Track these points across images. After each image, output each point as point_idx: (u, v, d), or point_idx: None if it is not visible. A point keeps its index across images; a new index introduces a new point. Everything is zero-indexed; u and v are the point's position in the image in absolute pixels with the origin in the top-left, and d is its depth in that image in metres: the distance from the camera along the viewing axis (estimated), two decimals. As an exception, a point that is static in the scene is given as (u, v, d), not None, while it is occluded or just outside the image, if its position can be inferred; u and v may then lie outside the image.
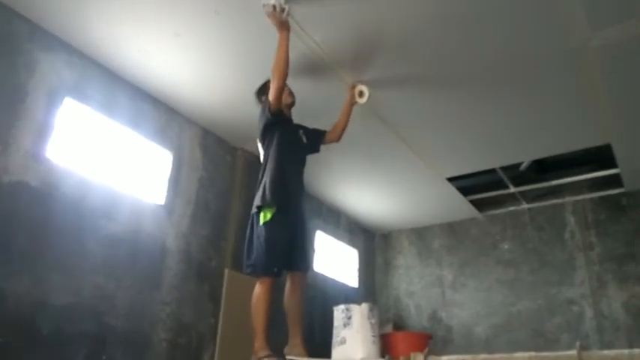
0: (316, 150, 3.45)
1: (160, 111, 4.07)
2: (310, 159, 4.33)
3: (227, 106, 4.14)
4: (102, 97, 3.61)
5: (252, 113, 4.18)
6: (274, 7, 2.82)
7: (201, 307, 4.05)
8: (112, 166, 3.64)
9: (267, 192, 2.93)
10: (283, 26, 2.89)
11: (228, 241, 4.44)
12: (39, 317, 2.94)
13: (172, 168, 4.09)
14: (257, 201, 3.00)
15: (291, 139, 3.20)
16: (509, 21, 3.09)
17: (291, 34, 2.98)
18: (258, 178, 3.12)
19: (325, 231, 6.00)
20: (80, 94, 3.47)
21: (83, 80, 3.50)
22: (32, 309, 2.92)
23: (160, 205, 3.92)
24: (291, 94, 3.30)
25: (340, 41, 3.30)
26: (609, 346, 4.87)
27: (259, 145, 3.23)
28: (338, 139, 3.55)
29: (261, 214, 2.94)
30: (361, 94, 3.59)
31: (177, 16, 3.12)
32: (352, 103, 3.61)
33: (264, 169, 3.07)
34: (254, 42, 3.34)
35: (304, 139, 3.36)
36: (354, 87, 3.64)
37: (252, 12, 3.03)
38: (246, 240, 3.06)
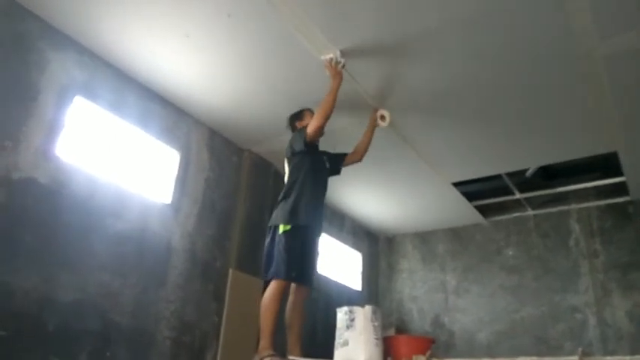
0: (337, 172, 3.66)
1: (168, 111, 4.10)
2: None
3: (235, 108, 4.17)
4: (111, 97, 3.65)
5: (259, 116, 4.25)
6: (332, 59, 3.29)
7: (205, 306, 4.08)
8: (120, 165, 3.68)
9: (289, 213, 3.20)
10: (337, 76, 3.31)
11: (233, 242, 4.47)
12: (45, 313, 2.97)
13: (180, 168, 4.13)
14: (278, 220, 3.24)
15: (317, 166, 3.45)
16: (517, 29, 3.10)
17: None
18: (282, 194, 3.35)
19: (329, 233, 6.02)
20: (90, 93, 3.51)
21: (93, 79, 3.54)
22: (39, 305, 2.95)
23: (167, 204, 3.95)
24: None
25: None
26: (612, 355, 4.85)
27: (286, 164, 3.48)
28: (360, 159, 3.79)
29: (280, 227, 3.20)
30: (383, 118, 3.82)
31: (188, 17, 3.15)
32: (374, 126, 3.85)
33: (290, 189, 3.31)
34: (264, 46, 3.37)
35: (327, 164, 3.59)
36: (376, 111, 3.87)
37: (263, 16, 3.07)
38: (265, 250, 3.29)
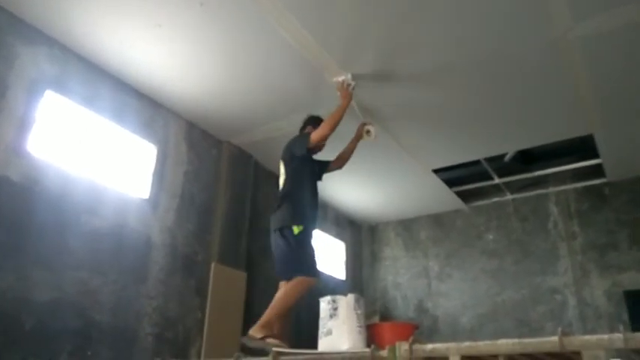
0: (320, 178, 3.74)
1: (144, 104, 4.02)
2: None
3: (212, 100, 4.11)
4: (84, 91, 3.56)
5: (237, 107, 4.20)
6: (343, 81, 3.60)
7: (188, 301, 4.04)
8: (95, 160, 3.60)
9: (300, 215, 3.31)
10: (348, 97, 3.57)
11: (214, 235, 4.43)
12: (22, 313, 2.91)
13: (157, 162, 4.06)
14: (289, 221, 3.28)
15: (313, 171, 3.56)
16: (492, 13, 3.11)
17: None
18: (282, 196, 3.41)
19: (312, 224, 6.00)
20: (61, 87, 3.42)
21: (65, 73, 3.45)
22: (15, 305, 2.88)
23: (145, 199, 3.88)
24: None
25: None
26: (592, 334, 4.94)
27: (282, 165, 3.53)
28: (341, 167, 3.88)
29: (294, 228, 3.25)
30: (368, 132, 3.93)
31: (160, 7, 3.08)
32: (359, 138, 3.93)
33: (292, 192, 3.39)
34: (238, 35, 3.32)
35: (317, 170, 3.68)
36: (363, 125, 3.96)
37: (237, 4, 3.01)
38: (281, 251, 3.29)
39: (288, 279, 3.24)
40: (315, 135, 3.38)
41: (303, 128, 3.73)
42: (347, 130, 3.76)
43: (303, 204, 3.37)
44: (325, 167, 3.76)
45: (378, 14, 3.12)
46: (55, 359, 3.03)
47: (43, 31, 3.33)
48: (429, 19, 3.17)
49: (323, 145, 3.54)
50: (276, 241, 3.35)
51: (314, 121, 3.69)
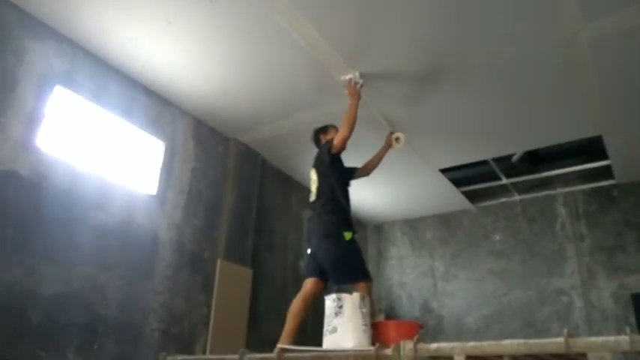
0: (349, 184, 3.77)
1: (152, 101, 4.04)
2: (303, 151, 4.56)
3: (220, 97, 4.12)
4: (93, 86, 3.58)
5: (244, 104, 4.21)
6: (351, 80, 3.60)
7: (194, 297, 4.06)
8: (103, 156, 3.62)
9: (346, 221, 3.42)
10: (356, 95, 3.58)
11: (221, 232, 4.44)
12: (29, 307, 2.93)
13: (165, 158, 4.08)
14: (339, 227, 3.36)
15: (344, 177, 3.65)
16: (501, 13, 3.08)
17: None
18: (323, 203, 3.46)
19: (318, 222, 6.01)
20: (71, 83, 3.44)
21: (74, 69, 3.47)
22: (22, 299, 2.91)
23: (152, 196, 3.90)
24: None
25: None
26: (598, 336, 4.91)
27: (314, 173, 3.62)
28: (368, 174, 3.97)
29: (345, 234, 3.33)
30: (397, 139, 4.02)
31: (169, 3, 3.09)
32: (389, 147, 4.05)
33: (331, 199, 3.45)
34: (247, 32, 3.33)
35: (347, 176, 3.75)
36: (392, 134, 4.08)
37: (246, 1, 3.01)
38: (334, 257, 3.31)
39: (340, 285, 3.33)
40: (337, 139, 3.47)
41: (317, 141, 3.82)
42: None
43: (346, 210, 3.48)
44: (353, 173, 3.83)
45: (387, 15, 3.11)
46: (61, 353, 3.05)
47: (52, 26, 3.34)
48: (436, 19, 3.15)
49: (345, 147, 3.56)
50: (325, 248, 3.36)
51: (323, 131, 3.80)
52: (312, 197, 3.59)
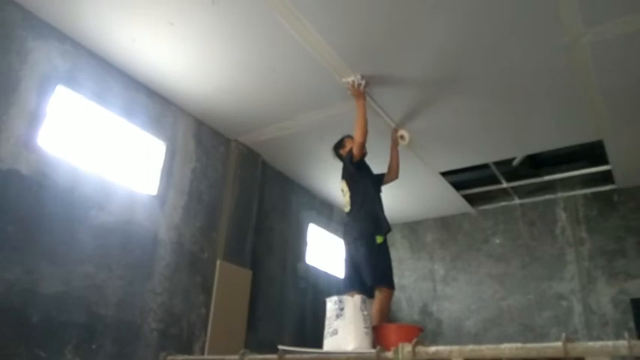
0: (380, 191, 3.87)
1: (153, 101, 4.05)
2: (304, 153, 4.82)
3: (221, 98, 4.13)
4: (95, 86, 3.59)
5: (245, 105, 4.21)
6: (353, 82, 3.65)
7: (193, 298, 4.06)
8: (104, 156, 3.62)
9: (379, 224, 3.52)
10: (360, 96, 3.65)
11: (221, 233, 4.44)
12: (28, 306, 2.94)
13: (165, 158, 4.08)
14: (371, 231, 3.47)
15: (374, 184, 3.77)
16: (503, 18, 3.09)
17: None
18: (355, 209, 3.59)
19: (318, 224, 6.02)
20: (73, 83, 3.44)
21: (76, 68, 3.48)
22: (22, 297, 2.91)
23: (153, 196, 3.91)
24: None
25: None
26: (597, 341, 4.91)
27: (344, 184, 3.73)
28: (396, 176, 4.06)
29: (377, 237, 3.46)
30: (402, 137, 4.10)
31: (172, 4, 3.10)
32: (396, 145, 4.20)
33: (363, 204, 3.57)
34: (250, 34, 3.33)
35: (376, 183, 3.87)
36: (396, 131, 4.19)
37: (248, 3, 3.02)
38: (362, 259, 3.43)
39: (366, 289, 3.34)
40: (355, 147, 3.58)
41: (339, 157, 3.92)
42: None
43: (379, 215, 3.55)
44: (381, 180, 3.93)
45: (389, 18, 3.12)
46: (60, 353, 3.05)
47: (56, 26, 3.36)
48: (438, 23, 3.16)
49: (365, 152, 3.69)
50: (355, 251, 3.49)
51: (340, 146, 3.91)
52: (347, 208, 3.70)
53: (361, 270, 3.44)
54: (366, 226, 3.50)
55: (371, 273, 3.38)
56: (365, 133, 3.54)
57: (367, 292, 3.32)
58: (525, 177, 5.72)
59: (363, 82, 3.68)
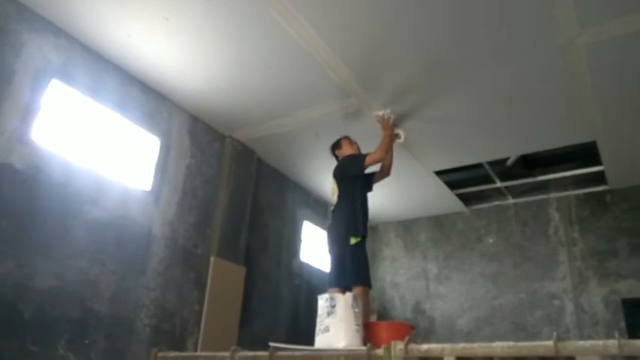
0: (371, 189, 3.96)
1: (148, 96, 4.03)
2: (299, 150, 4.85)
3: (217, 94, 4.12)
4: (89, 81, 3.57)
5: (240, 101, 4.21)
6: (383, 115, 3.93)
7: (186, 294, 4.06)
8: (98, 151, 3.61)
9: (356, 226, 3.58)
10: (389, 128, 3.88)
11: (215, 229, 4.44)
12: (21, 300, 2.92)
13: (160, 154, 4.07)
14: (348, 233, 3.55)
15: (365, 184, 3.83)
16: (498, 17, 3.10)
17: None
18: (339, 210, 3.68)
19: (312, 221, 6.02)
20: (67, 77, 3.43)
21: (70, 63, 3.46)
22: (14, 292, 2.90)
23: (147, 192, 3.90)
24: None
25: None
26: (588, 340, 4.94)
27: (335, 183, 3.80)
28: (388, 174, 4.06)
29: (351, 239, 3.53)
30: (398, 135, 4.13)
31: (167, 0, 3.08)
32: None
33: (347, 206, 3.65)
34: (245, 30, 3.33)
35: (367, 182, 3.92)
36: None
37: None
38: (338, 260, 3.55)
39: (343, 287, 3.39)
40: (370, 158, 3.66)
41: (335, 157, 3.99)
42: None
43: (357, 217, 3.61)
44: (372, 180, 3.96)
45: (385, 15, 3.12)
46: (52, 347, 3.05)
47: (50, 20, 3.34)
48: (432, 20, 3.16)
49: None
50: (333, 252, 3.61)
51: (337, 146, 4.00)
52: (332, 207, 3.79)
53: (339, 269, 3.53)
54: (343, 228, 3.58)
55: (345, 273, 3.46)
56: (385, 156, 3.72)
57: (348, 290, 3.38)
58: (519, 177, 5.74)
59: (393, 116, 3.92)
